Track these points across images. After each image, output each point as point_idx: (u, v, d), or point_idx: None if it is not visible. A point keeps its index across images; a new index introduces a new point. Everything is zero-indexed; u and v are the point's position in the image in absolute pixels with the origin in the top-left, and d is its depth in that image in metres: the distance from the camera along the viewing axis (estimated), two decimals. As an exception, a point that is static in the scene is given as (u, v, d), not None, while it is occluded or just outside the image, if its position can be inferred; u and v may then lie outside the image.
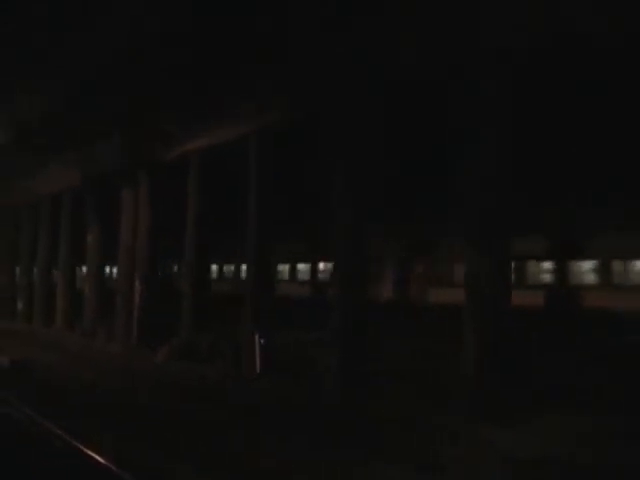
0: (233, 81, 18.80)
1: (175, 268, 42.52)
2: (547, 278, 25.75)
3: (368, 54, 15.26)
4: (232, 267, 38.01)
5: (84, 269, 32.11)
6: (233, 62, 17.77)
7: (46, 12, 16.22)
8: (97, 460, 9.91)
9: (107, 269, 36.66)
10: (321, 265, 29.76)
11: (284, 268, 33.03)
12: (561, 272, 25.20)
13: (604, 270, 24.70)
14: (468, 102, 13.57)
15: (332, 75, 16.35)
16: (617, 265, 24.78)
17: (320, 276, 30.54)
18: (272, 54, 16.90)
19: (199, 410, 14.01)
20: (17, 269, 38.74)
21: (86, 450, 10.33)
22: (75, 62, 19.03)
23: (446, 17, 13.56)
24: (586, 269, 25.30)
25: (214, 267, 40.19)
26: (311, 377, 16.82)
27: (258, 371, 18.08)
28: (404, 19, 14.28)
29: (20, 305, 36.99)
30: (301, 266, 32.15)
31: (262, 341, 18.29)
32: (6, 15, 15.93)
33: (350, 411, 13.42)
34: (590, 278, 24.93)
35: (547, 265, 25.97)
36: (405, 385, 14.54)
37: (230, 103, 19.71)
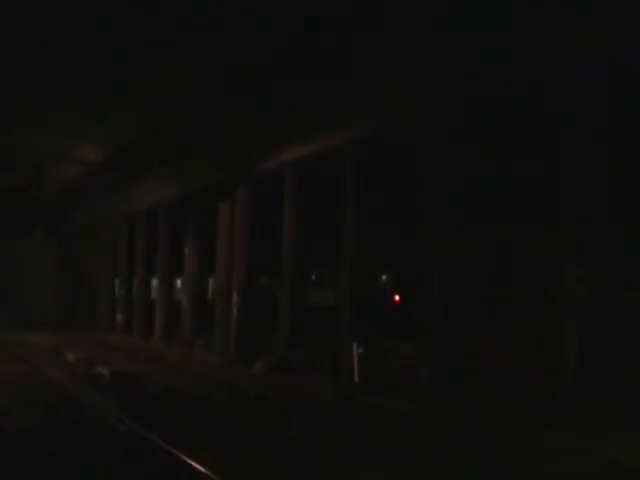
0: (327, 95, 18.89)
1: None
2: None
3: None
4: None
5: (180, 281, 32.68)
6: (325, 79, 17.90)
7: (144, 32, 16.55)
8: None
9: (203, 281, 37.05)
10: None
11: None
12: None
13: None
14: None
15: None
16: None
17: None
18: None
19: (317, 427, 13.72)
20: (116, 282, 39.73)
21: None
22: (174, 81, 19.38)
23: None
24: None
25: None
26: (412, 389, 16.60)
27: (357, 381, 17.95)
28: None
29: (119, 317, 37.91)
30: None
31: (360, 351, 18.14)
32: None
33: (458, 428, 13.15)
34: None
35: None
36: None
37: (324, 114, 19.75)
